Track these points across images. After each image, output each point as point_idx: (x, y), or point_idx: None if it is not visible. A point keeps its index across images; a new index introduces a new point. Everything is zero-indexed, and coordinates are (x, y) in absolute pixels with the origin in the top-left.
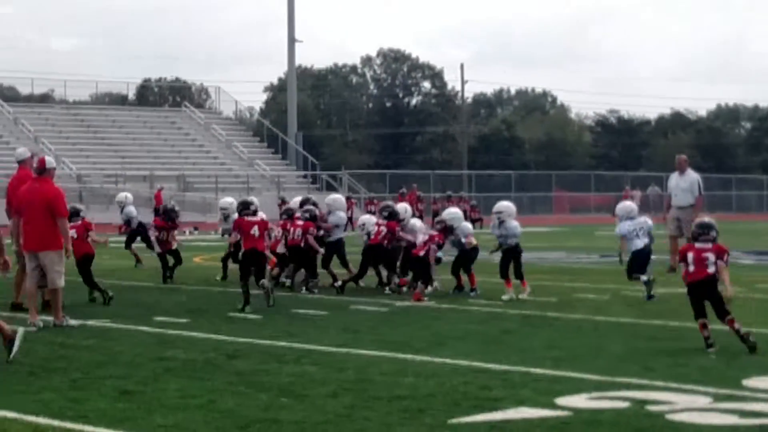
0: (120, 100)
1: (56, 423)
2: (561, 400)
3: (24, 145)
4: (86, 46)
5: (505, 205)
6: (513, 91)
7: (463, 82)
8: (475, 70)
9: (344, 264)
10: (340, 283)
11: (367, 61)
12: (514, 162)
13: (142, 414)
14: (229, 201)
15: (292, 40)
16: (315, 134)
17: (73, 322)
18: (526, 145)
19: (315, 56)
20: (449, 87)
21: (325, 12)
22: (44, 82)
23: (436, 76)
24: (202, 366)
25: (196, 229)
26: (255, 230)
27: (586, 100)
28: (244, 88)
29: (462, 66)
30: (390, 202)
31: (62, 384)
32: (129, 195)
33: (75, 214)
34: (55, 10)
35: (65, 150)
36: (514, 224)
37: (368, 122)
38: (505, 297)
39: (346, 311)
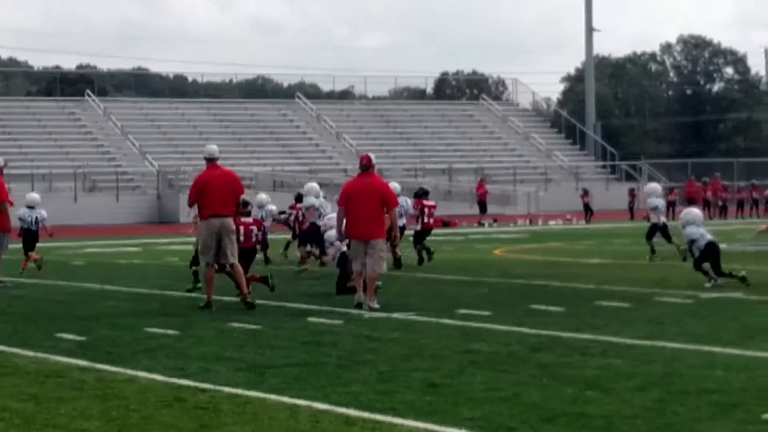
0: (418, 95)
1: (366, 415)
2: None
3: (327, 141)
4: (389, 42)
5: None
6: None
7: (767, 67)
8: None
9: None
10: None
11: (666, 48)
12: None
13: (448, 407)
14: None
15: (589, 30)
16: (613, 124)
17: (377, 307)
18: None
19: (613, 45)
20: (752, 72)
21: (623, 0)
22: (345, 79)
23: (738, 61)
24: (506, 359)
25: (495, 221)
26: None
27: None
28: (541, 79)
29: (766, 51)
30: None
31: (370, 376)
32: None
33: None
34: (361, 7)
35: (366, 145)
36: None
37: (668, 110)
38: None
39: (649, 303)
